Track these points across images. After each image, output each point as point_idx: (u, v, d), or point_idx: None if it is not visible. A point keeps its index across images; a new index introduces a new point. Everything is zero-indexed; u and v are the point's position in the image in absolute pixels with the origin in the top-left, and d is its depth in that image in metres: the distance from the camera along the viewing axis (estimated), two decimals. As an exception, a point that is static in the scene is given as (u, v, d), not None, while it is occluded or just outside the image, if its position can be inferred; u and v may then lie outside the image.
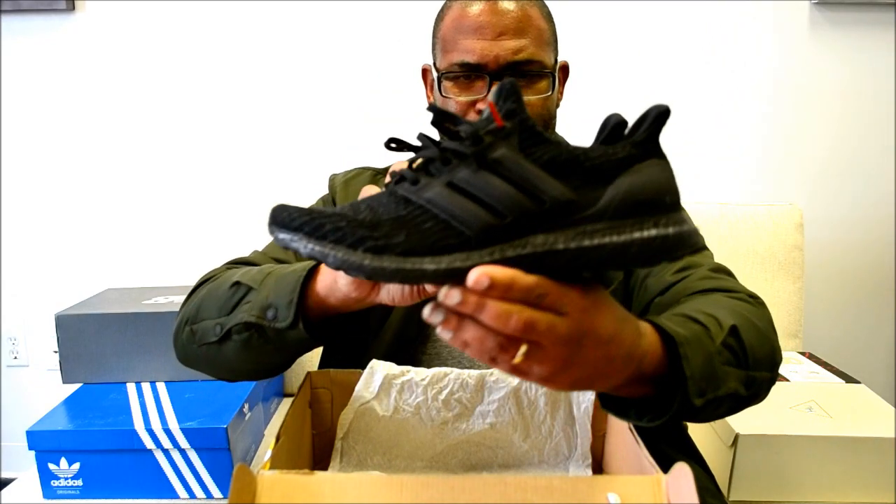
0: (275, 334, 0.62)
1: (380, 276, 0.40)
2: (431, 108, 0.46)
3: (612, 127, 0.43)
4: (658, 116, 0.42)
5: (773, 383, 0.61)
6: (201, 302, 0.69)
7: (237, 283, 0.66)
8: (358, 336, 0.83)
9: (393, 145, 0.48)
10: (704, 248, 0.72)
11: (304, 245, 0.41)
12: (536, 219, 0.41)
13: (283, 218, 0.42)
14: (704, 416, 0.54)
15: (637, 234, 0.41)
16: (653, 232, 0.41)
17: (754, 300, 0.67)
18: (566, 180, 0.41)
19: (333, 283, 0.57)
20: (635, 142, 0.42)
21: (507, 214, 0.40)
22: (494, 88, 0.43)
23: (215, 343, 0.66)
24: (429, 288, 0.50)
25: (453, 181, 0.41)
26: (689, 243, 0.42)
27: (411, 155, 0.50)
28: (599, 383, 0.47)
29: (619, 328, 0.45)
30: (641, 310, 0.78)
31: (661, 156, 0.43)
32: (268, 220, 0.43)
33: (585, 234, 0.41)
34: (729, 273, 0.75)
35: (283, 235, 0.41)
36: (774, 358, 0.61)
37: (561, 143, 0.42)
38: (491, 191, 0.41)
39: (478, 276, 0.38)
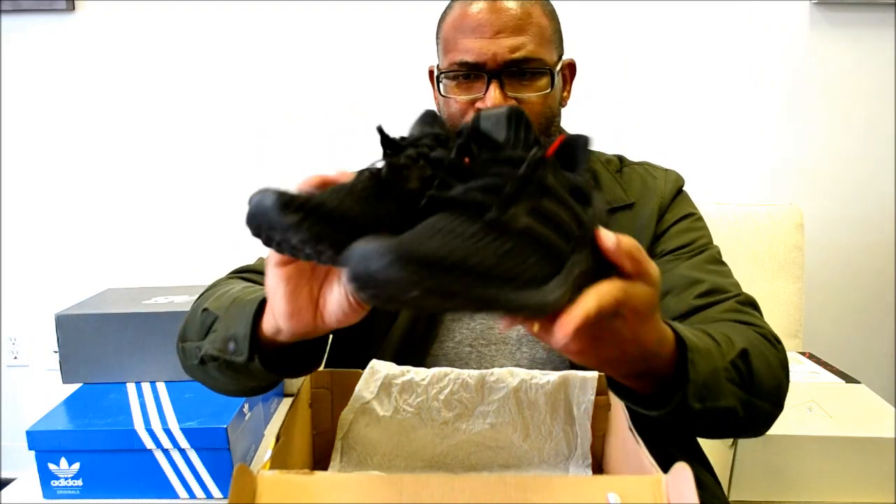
0: (240, 366, 0.60)
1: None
2: (460, 132, 0.48)
3: (579, 150, 0.47)
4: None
5: (774, 417, 0.64)
6: (187, 322, 0.71)
7: (206, 310, 0.66)
8: (362, 341, 0.83)
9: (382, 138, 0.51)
10: None
11: None
12: (578, 240, 0.45)
13: None
14: (702, 426, 0.58)
15: None
16: None
17: (776, 342, 0.68)
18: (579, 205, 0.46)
19: (275, 324, 0.53)
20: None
21: (570, 238, 0.44)
22: (506, 116, 0.45)
23: (199, 364, 0.67)
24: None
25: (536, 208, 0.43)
26: None
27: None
28: (622, 366, 0.52)
29: (656, 314, 0.49)
30: None
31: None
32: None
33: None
34: (756, 307, 0.74)
35: None
36: (779, 393, 0.64)
37: (568, 176, 0.47)
38: (559, 217, 0.44)
39: (564, 337, 0.41)
